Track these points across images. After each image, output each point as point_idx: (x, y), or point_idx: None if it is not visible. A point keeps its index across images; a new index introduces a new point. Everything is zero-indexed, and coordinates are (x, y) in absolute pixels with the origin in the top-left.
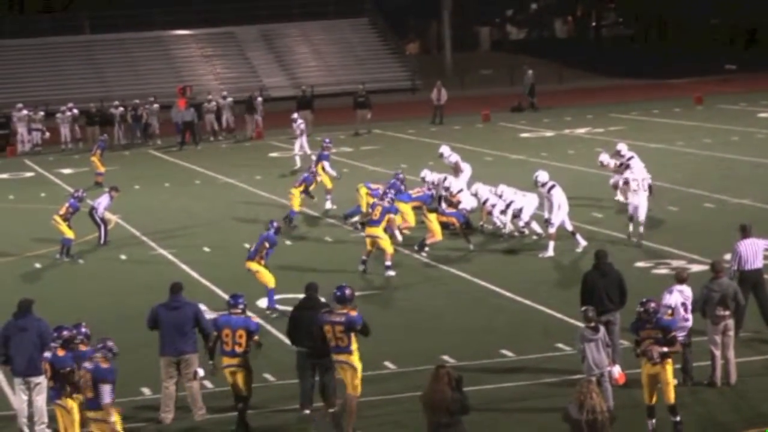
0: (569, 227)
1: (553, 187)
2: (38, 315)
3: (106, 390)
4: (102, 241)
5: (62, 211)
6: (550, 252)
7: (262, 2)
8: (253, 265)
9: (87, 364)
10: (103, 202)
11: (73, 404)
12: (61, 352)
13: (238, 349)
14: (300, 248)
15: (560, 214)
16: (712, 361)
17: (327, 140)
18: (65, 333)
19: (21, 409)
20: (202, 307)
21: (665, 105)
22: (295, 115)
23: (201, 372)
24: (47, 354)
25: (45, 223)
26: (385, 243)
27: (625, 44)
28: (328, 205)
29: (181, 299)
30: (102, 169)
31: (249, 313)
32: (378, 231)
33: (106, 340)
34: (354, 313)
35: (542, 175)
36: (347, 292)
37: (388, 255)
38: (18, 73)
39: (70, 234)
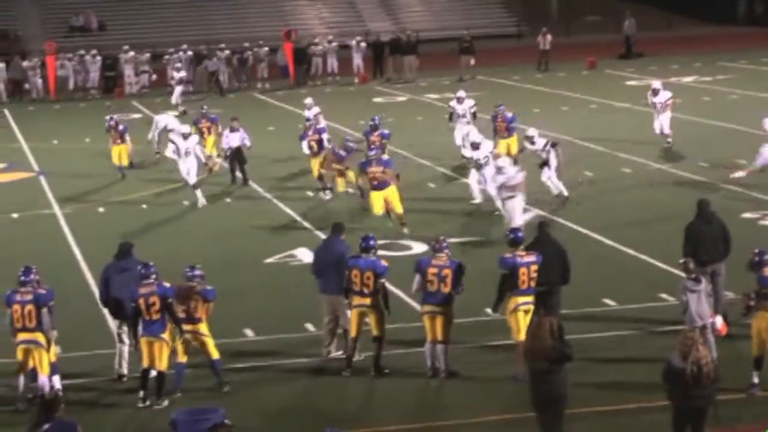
0: None
1: None
2: (138, 258)
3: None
4: (245, 180)
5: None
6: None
7: None
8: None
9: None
10: (244, 135)
11: (169, 337)
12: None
13: (366, 290)
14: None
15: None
16: None
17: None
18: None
19: (121, 351)
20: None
21: None
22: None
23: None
24: (148, 290)
25: (151, 165)
26: None
27: None
28: None
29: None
30: None
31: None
32: None
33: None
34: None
35: None
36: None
37: None
38: (124, 16)
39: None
